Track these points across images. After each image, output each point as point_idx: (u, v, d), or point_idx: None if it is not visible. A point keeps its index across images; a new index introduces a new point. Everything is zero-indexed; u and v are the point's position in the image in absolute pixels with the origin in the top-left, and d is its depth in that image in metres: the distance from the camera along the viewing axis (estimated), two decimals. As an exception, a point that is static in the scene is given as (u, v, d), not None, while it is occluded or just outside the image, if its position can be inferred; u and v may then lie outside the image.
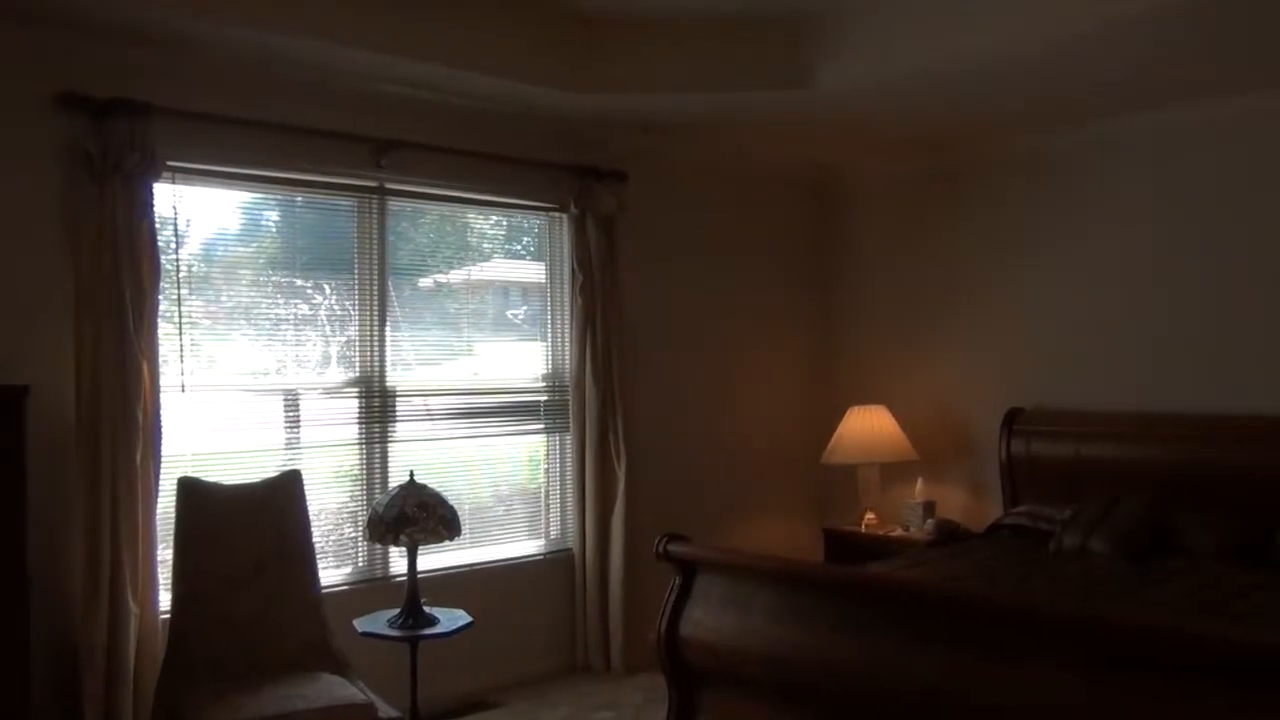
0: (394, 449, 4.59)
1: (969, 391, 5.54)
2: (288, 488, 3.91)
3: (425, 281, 4.82)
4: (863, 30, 4.30)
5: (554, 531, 5.16)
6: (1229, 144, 4.61)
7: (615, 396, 5.05)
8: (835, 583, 3.25)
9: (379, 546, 4.41)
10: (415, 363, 4.73)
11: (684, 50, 4.49)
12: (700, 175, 5.63)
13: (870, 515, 5.53)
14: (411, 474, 3.98)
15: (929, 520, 5.25)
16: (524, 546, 5.05)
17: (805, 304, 6.16)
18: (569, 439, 5.10)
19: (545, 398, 5.13)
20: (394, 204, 4.63)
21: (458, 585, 4.60)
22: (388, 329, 4.58)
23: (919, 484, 5.48)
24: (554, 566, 5.08)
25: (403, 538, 3.80)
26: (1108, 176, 5.01)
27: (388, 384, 4.57)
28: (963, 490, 5.57)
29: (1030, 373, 5.30)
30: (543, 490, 5.16)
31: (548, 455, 5.16)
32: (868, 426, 5.48)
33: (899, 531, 5.38)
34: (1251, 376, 4.54)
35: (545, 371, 5.15)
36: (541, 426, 5.12)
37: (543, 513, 5.15)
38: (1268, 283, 4.51)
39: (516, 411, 5.05)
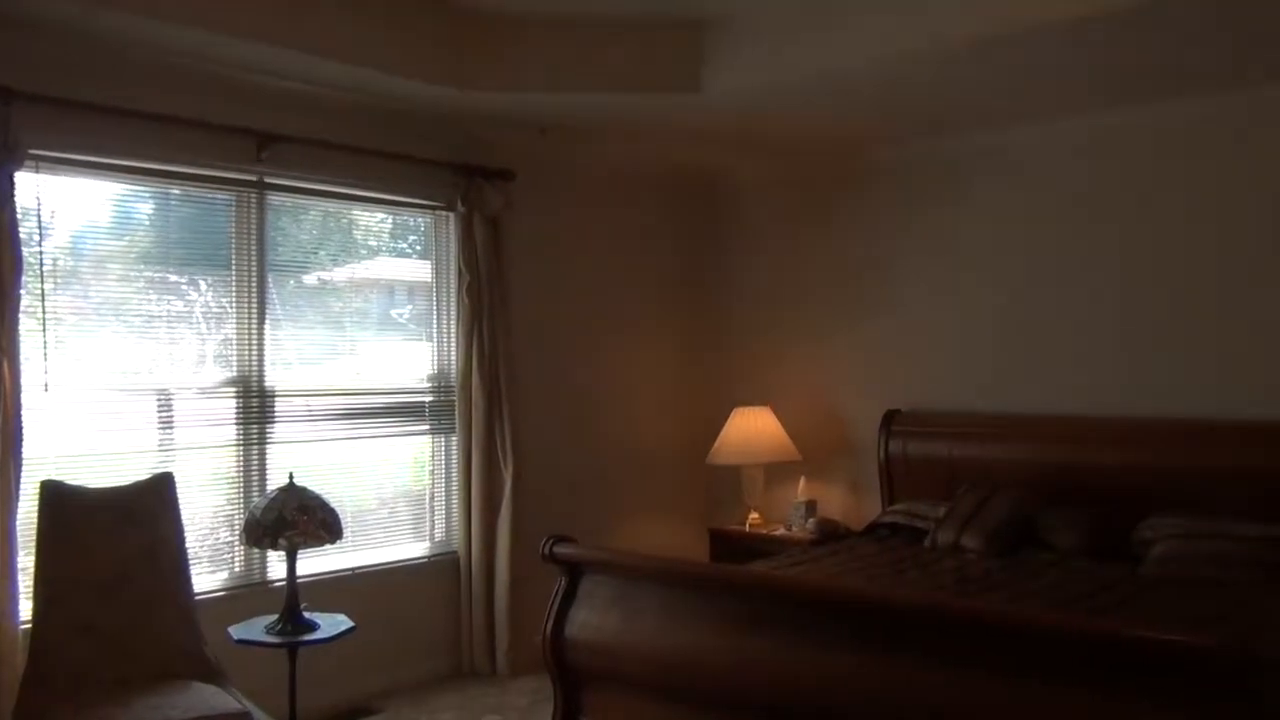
0: (273, 451, 4.47)
1: (849, 393, 5.68)
2: (159, 491, 3.77)
3: (308, 279, 4.71)
4: (750, 36, 4.37)
5: (439, 534, 5.10)
6: (1099, 155, 4.83)
7: (502, 397, 5.02)
8: (717, 582, 3.31)
9: (257, 551, 4.30)
10: (296, 362, 4.61)
11: (574, 51, 4.49)
12: (588, 176, 5.64)
13: (754, 515, 5.63)
14: (291, 476, 3.88)
15: (811, 519, 5.36)
16: (408, 549, 4.98)
17: (692, 305, 6.23)
18: (455, 440, 5.05)
19: (431, 398, 5.06)
20: (275, 199, 4.51)
21: (340, 590, 4.51)
22: (267, 327, 4.46)
23: (801, 484, 5.59)
24: (439, 569, 5.02)
25: (281, 541, 3.71)
26: (984, 184, 5.20)
27: (267, 384, 4.45)
28: (843, 489, 5.71)
29: (908, 375, 5.46)
30: (428, 492, 5.09)
31: (433, 457, 5.10)
32: (752, 427, 5.57)
33: (782, 531, 5.48)
34: (1117, 379, 4.78)
35: (431, 372, 5.09)
36: (427, 428, 5.06)
37: (428, 515, 5.08)
38: (1133, 289, 4.75)
39: (401, 413, 4.97)
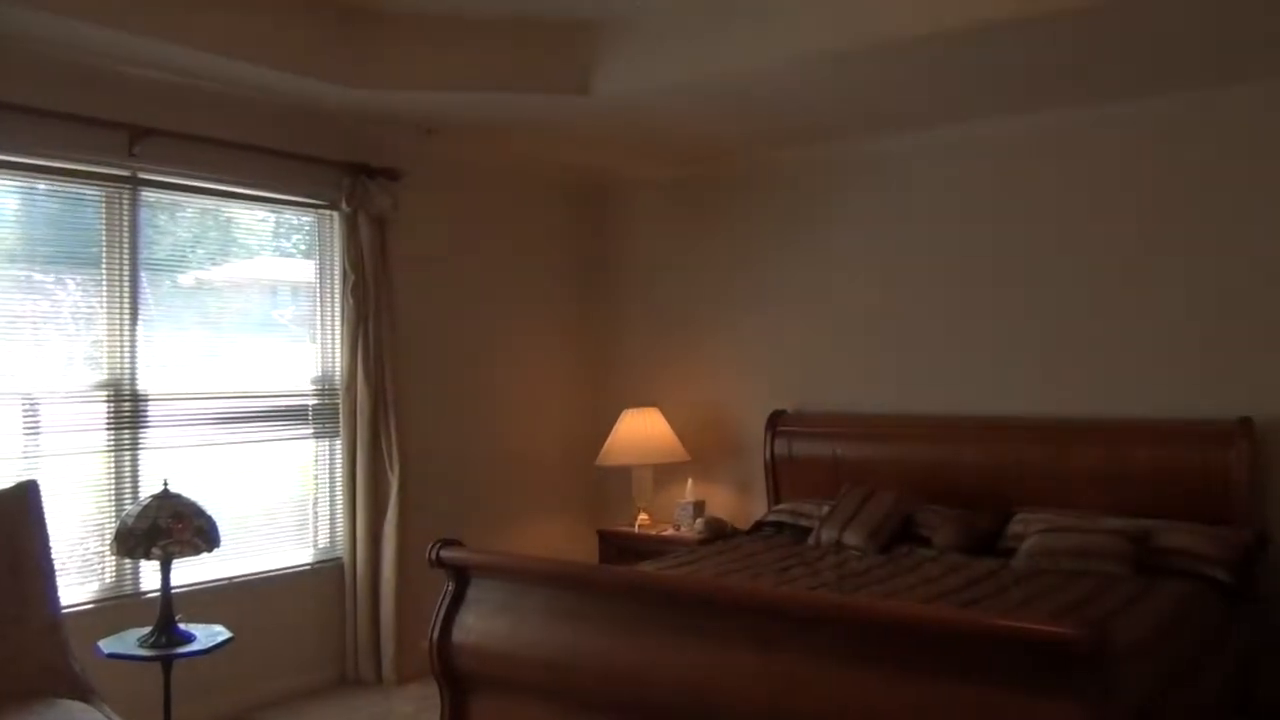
0: (146, 457, 4.31)
1: (736, 394, 5.77)
2: (22, 499, 3.59)
3: (185, 278, 4.56)
4: (639, 40, 4.40)
5: (323, 540, 4.99)
6: (971, 162, 5.02)
7: (388, 400, 4.95)
8: (604, 583, 3.32)
9: (129, 561, 4.15)
10: (172, 365, 4.46)
11: (463, 50, 4.46)
12: (477, 176, 5.60)
13: (643, 516, 5.67)
14: (165, 483, 3.76)
15: (699, 519, 5.42)
16: (291, 557, 4.86)
17: (581, 307, 6.24)
18: (339, 444, 4.96)
19: (315, 402, 4.96)
20: (149, 195, 4.36)
21: (218, 600, 4.39)
22: (140, 328, 4.30)
23: (689, 484, 5.66)
24: (323, 577, 4.92)
25: (155, 551, 3.59)
26: (862, 189, 5.35)
27: (139, 388, 4.30)
28: (731, 489, 5.80)
29: (793, 376, 5.58)
30: (311, 498, 4.98)
31: (317, 461, 4.99)
32: (641, 429, 5.61)
33: (670, 531, 5.54)
34: (991, 380, 4.97)
35: (315, 375, 4.98)
36: (310, 432, 4.95)
37: (311, 521, 4.97)
38: (1004, 292, 4.94)
39: (284, 416, 4.86)
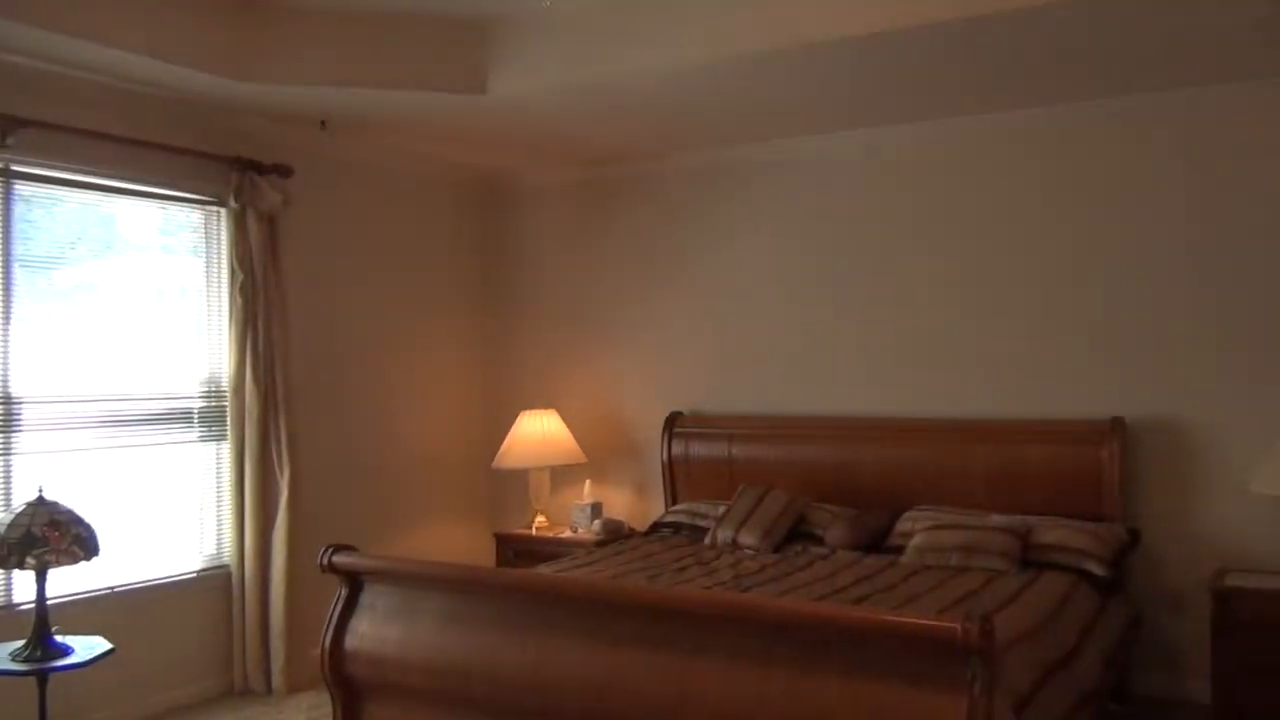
0: (19, 463, 4.12)
1: (634, 396, 5.79)
2: (-117, 509, 3.42)
3: (63, 277, 4.38)
4: (538, 40, 4.39)
5: (209, 547, 4.84)
6: (870, 168, 5.14)
7: (278, 402, 4.83)
8: (499, 586, 3.30)
9: (1, 571, 3.96)
10: (48, 367, 4.27)
11: (359, 45, 4.38)
12: (372, 174, 5.51)
13: (541, 518, 5.65)
14: (40, 490, 3.60)
15: (596, 521, 5.43)
16: (175, 565, 4.70)
17: (479, 308, 6.19)
18: (227, 448, 4.82)
19: (201, 404, 4.81)
20: (23, 189, 4.17)
21: (98, 610, 4.23)
22: (12, 328, 4.11)
23: (587, 486, 5.66)
24: (209, 585, 4.78)
25: (29, 560, 3.43)
26: (763, 193, 5.43)
27: (11, 390, 4.11)
28: (628, 490, 5.82)
29: (690, 378, 5.63)
30: (198, 503, 4.83)
31: (203, 466, 4.84)
32: (538, 431, 5.59)
33: (568, 533, 5.53)
34: (884, 382, 5.10)
35: (202, 376, 4.83)
36: (196, 435, 4.80)
37: (197, 528, 4.82)
38: (902, 296, 5.08)
39: (169, 419, 4.70)
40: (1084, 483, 4.48)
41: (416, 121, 4.97)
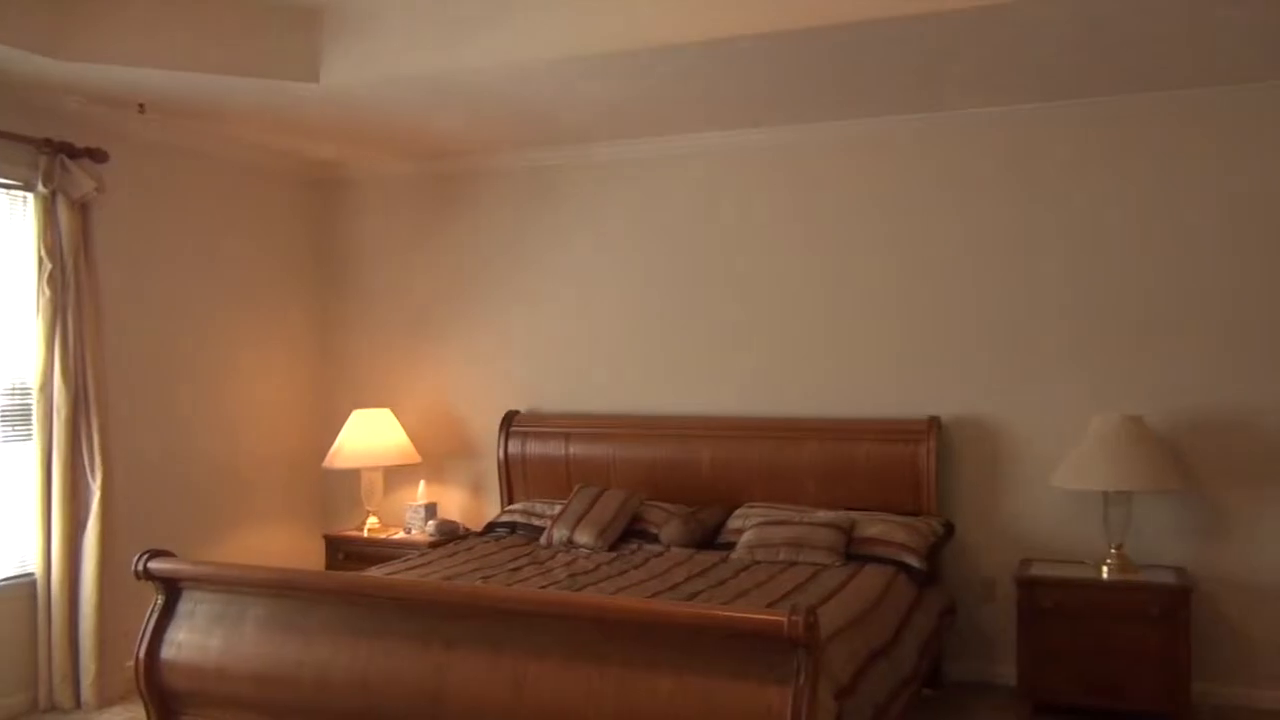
0: None
1: (470, 394, 5.74)
2: None
3: None
4: (374, 29, 4.28)
5: (14, 555, 4.53)
6: (713, 170, 5.23)
7: (90, 400, 4.55)
8: (326, 589, 3.21)
9: None
10: None
11: (182, 26, 4.17)
12: (198, 162, 5.26)
13: (373, 520, 5.53)
14: None
15: (431, 521, 5.36)
16: (-29, 573, 4.39)
17: (310, 303, 6.00)
18: (32, 449, 4.51)
19: (4, 403, 4.49)
20: None
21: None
22: None
23: (421, 486, 5.58)
24: (11, 595, 4.46)
25: None
26: (602, 192, 5.46)
27: None
28: (464, 490, 5.76)
29: (527, 376, 5.61)
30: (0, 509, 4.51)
31: (6, 469, 4.52)
32: (371, 430, 5.47)
33: (401, 534, 5.43)
34: (721, 381, 5.22)
35: (5, 374, 4.51)
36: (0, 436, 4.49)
37: (-3, 533, 4.51)
38: (738, 297, 5.19)
39: (-37, 418, 4.38)
40: (904, 479, 4.70)
41: (244, 109, 4.78)
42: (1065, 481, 4.32)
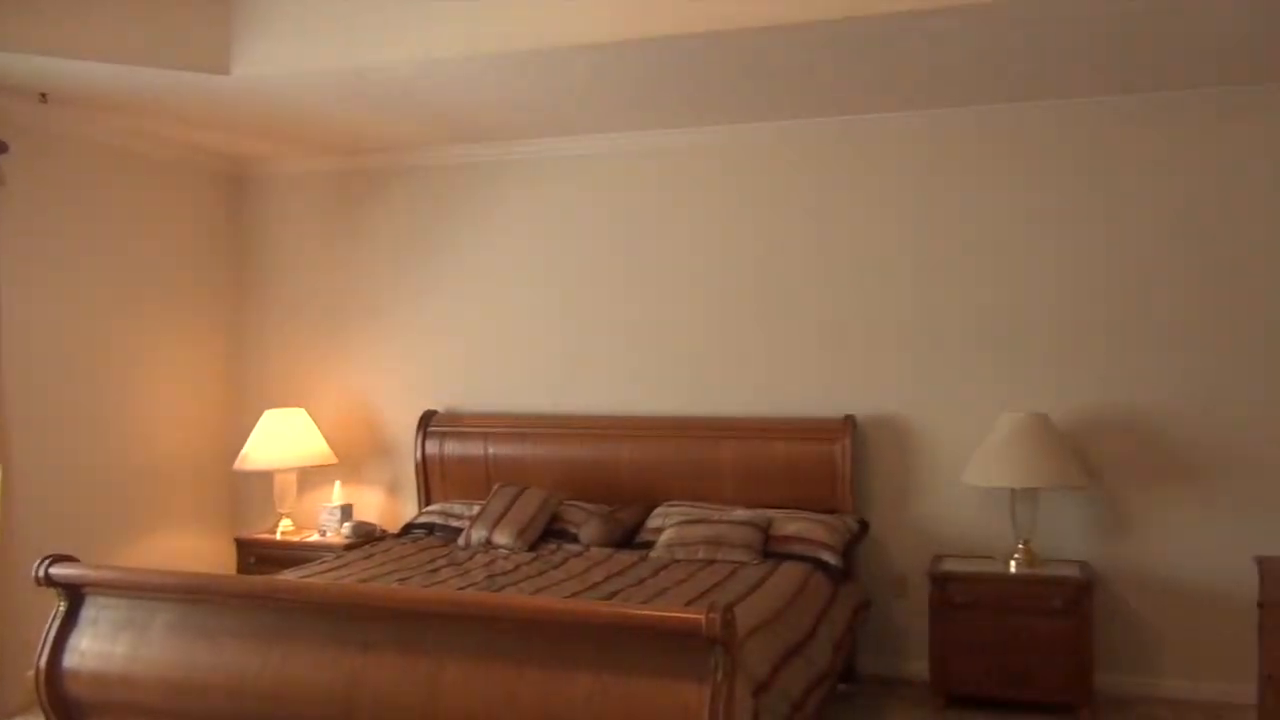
0: None
1: (387, 394, 5.66)
2: None
3: None
4: (286, 21, 4.19)
5: (-100, 561, 4.35)
6: (628, 170, 5.24)
7: (-13, 401, 4.39)
8: (238, 593, 3.13)
9: None
10: None
11: (87, 13, 4.03)
12: (103, 155, 5.09)
13: (286, 522, 5.42)
14: None
15: (346, 523, 5.27)
16: None
17: (222, 301, 5.86)
18: (-77, 451, 4.34)
19: (-109, 403, 4.31)
20: None
21: None
22: None
23: (337, 487, 5.49)
24: (-101, 603, 4.29)
25: None
26: (519, 192, 5.43)
27: None
28: (381, 491, 5.68)
29: (445, 376, 5.56)
30: (-115, 513, 4.32)
31: (-107, 471, 4.34)
32: (284, 430, 5.36)
33: (316, 537, 5.33)
34: (641, 380, 5.23)
35: (-109, 371, 4.33)
36: (-115, 437, 4.29)
37: (-115, 540, 4.31)
38: (657, 297, 5.21)
39: None
40: (820, 477, 4.77)
41: (152, 101, 4.64)
42: (975, 479, 4.43)
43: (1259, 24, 3.64)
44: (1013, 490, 4.41)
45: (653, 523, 4.69)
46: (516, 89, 4.44)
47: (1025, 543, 4.42)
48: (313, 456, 5.39)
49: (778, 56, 3.97)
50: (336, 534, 5.28)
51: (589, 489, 5.06)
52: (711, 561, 4.25)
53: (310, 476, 5.61)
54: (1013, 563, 4.40)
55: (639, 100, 4.62)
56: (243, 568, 5.35)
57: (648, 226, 5.23)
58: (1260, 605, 3.73)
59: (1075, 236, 4.62)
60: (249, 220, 5.95)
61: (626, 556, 4.40)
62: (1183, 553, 4.48)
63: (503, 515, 4.72)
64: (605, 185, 5.30)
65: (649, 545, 4.54)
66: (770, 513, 4.60)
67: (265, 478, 5.51)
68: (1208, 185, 4.46)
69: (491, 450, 5.29)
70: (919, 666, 4.66)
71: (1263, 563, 3.76)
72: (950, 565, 4.50)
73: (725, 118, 4.91)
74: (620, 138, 5.20)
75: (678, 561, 4.28)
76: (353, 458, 5.66)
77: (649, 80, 4.30)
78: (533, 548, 4.60)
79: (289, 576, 4.04)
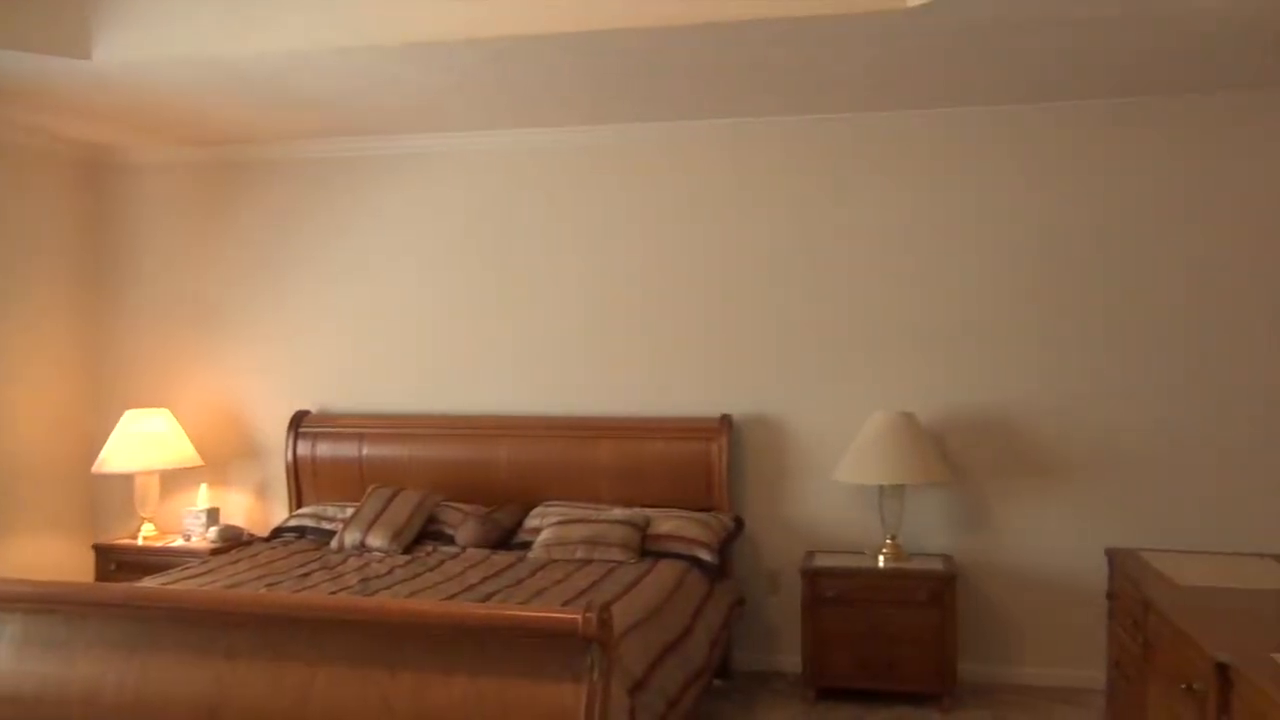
0: None
1: (257, 394, 5.50)
2: None
3: None
4: (152, 5, 4.02)
5: None
6: (513, 167, 5.20)
7: None
8: (95, 602, 3.00)
9: None
10: None
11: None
12: (-55, 142, 4.81)
13: (149, 527, 5.21)
14: None
15: (212, 528, 5.10)
16: None
17: (79, 296, 5.58)
18: None
19: None
20: None
21: None
22: None
23: (202, 490, 5.30)
24: None
25: None
26: (396, 188, 5.34)
27: None
28: (249, 494, 5.51)
29: (318, 375, 5.43)
30: None
31: None
32: (146, 431, 5.15)
33: (180, 541, 5.14)
34: (518, 380, 5.20)
35: None
36: None
37: None
38: (535, 296, 5.19)
39: None
40: (697, 476, 4.83)
41: (8, 85, 4.39)
42: (845, 476, 4.55)
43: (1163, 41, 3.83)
44: (881, 487, 4.55)
45: (531, 523, 4.68)
46: (390, 83, 4.35)
47: (893, 538, 4.57)
48: (176, 459, 5.20)
49: (668, 56, 3.98)
50: (202, 538, 5.10)
51: (466, 490, 5.01)
52: (589, 561, 4.27)
53: (174, 479, 5.40)
54: (881, 557, 4.54)
55: (517, 98, 4.59)
56: (102, 574, 5.12)
57: (526, 226, 5.21)
58: (1109, 595, 3.94)
59: (944, 241, 4.78)
60: (112, 212, 5.69)
61: (504, 557, 4.38)
62: (1039, 546, 4.70)
63: (377, 517, 4.63)
64: (482, 183, 5.25)
65: (527, 546, 4.52)
66: (648, 511, 4.64)
67: (126, 480, 5.29)
68: (1066, 193, 4.67)
69: (366, 451, 5.19)
70: (792, 660, 4.77)
71: (1112, 555, 3.96)
72: (821, 561, 4.61)
73: (607, 117, 4.91)
74: (498, 135, 5.16)
75: (555, 561, 4.28)
76: (220, 459, 5.47)
77: (528, 78, 4.27)
78: (408, 550, 4.54)
79: (150, 583, 3.89)
